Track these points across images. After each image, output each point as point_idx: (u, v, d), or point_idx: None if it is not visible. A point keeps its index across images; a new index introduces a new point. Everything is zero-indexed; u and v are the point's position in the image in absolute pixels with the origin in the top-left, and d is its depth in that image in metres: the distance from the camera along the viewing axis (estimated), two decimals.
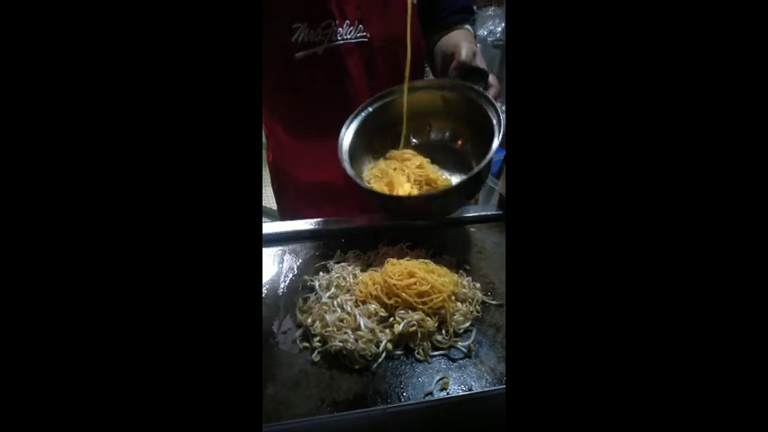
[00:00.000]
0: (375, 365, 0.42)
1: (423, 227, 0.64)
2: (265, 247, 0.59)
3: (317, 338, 0.45)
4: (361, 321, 0.44)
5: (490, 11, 0.99)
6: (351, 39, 0.62)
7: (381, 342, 0.43)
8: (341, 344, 0.42)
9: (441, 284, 0.48)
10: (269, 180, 0.84)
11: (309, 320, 0.46)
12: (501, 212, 0.66)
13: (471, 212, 0.66)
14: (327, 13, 0.59)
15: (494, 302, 0.51)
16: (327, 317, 0.45)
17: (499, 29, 0.95)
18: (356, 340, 0.43)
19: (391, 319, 0.46)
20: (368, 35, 0.62)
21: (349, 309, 0.46)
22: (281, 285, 0.53)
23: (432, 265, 0.50)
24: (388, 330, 0.44)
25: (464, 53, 0.57)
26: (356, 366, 0.42)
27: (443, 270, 0.51)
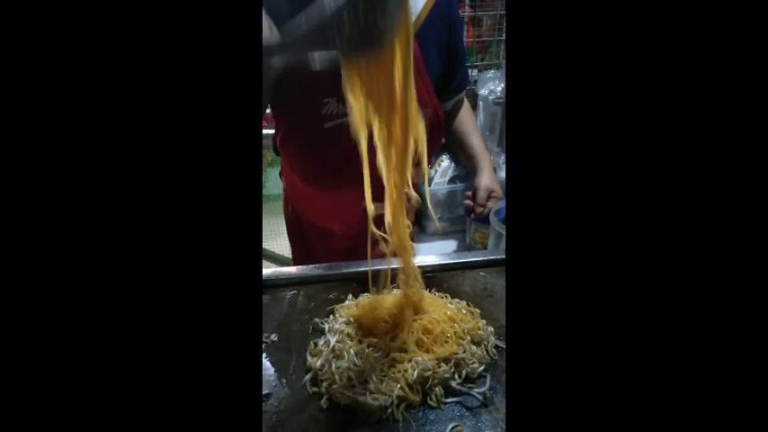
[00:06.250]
0: (387, 414, 0.41)
1: (434, 271, 0.64)
2: (279, 290, 0.60)
3: (325, 384, 0.44)
4: (372, 376, 0.43)
5: (490, 73, 1.12)
6: None
7: (393, 392, 0.42)
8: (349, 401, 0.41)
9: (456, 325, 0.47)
10: (284, 229, 0.88)
11: (318, 363, 0.46)
12: None
13: (481, 257, 0.67)
14: None
15: None
16: (334, 363, 0.45)
17: (499, 89, 1.06)
18: (366, 394, 0.41)
19: (401, 357, 0.45)
20: None
21: (356, 358, 0.45)
22: (293, 328, 0.53)
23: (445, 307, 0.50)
24: (397, 380, 0.43)
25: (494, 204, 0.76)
26: (371, 420, 0.40)
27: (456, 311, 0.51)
